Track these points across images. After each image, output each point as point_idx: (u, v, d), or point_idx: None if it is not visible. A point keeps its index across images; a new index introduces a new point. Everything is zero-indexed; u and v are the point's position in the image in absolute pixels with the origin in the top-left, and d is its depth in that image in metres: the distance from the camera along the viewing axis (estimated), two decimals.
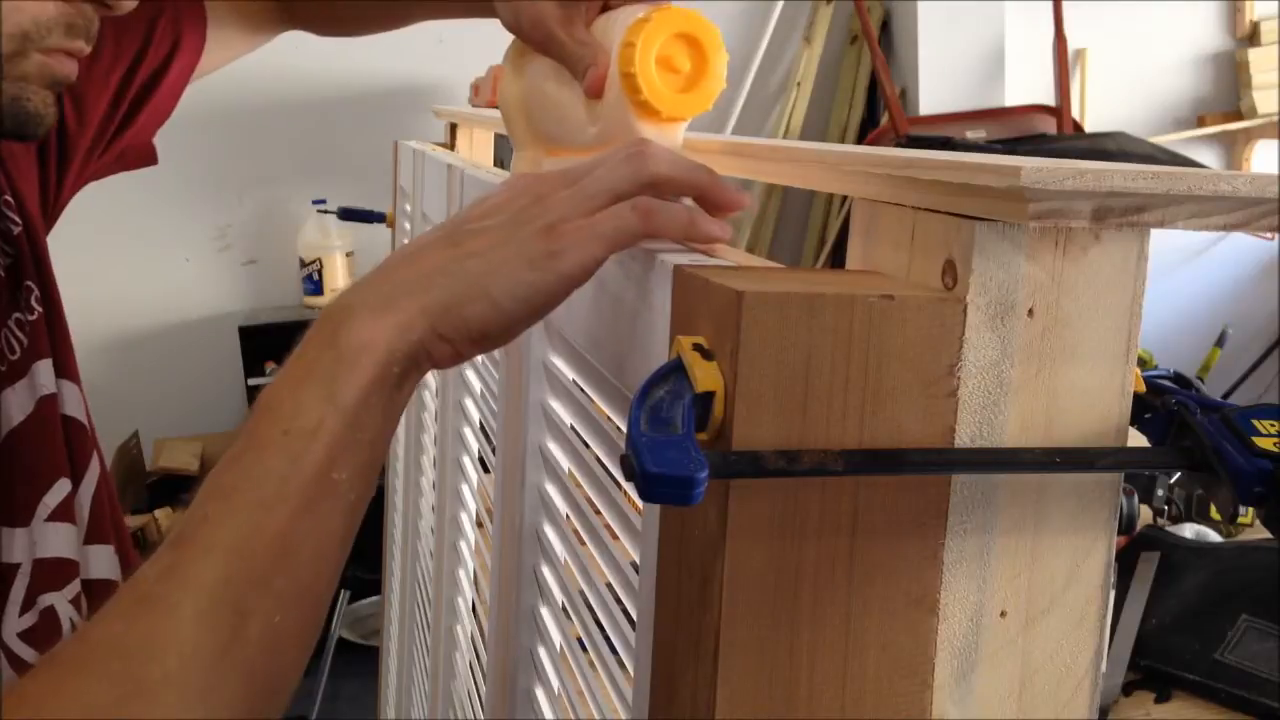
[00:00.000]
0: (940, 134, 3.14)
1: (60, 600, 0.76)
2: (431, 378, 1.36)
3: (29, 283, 0.78)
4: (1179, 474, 0.65)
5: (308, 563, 0.47)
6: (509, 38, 0.79)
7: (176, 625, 0.44)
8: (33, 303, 0.78)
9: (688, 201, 0.53)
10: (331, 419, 0.47)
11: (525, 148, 0.80)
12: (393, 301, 0.48)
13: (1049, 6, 3.36)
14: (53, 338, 0.79)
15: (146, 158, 0.94)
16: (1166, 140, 3.48)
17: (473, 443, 1.06)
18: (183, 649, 0.43)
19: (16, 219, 0.78)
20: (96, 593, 0.80)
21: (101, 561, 0.81)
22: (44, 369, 0.76)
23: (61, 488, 0.76)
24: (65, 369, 0.79)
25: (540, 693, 0.76)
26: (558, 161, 0.76)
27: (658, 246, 0.52)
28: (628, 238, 0.50)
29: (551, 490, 0.74)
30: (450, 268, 0.49)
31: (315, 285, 3.24)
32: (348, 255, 3.27)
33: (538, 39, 0.70)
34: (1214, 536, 1.56)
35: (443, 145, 1.65)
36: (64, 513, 0.76)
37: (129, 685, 0.43)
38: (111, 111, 0.89)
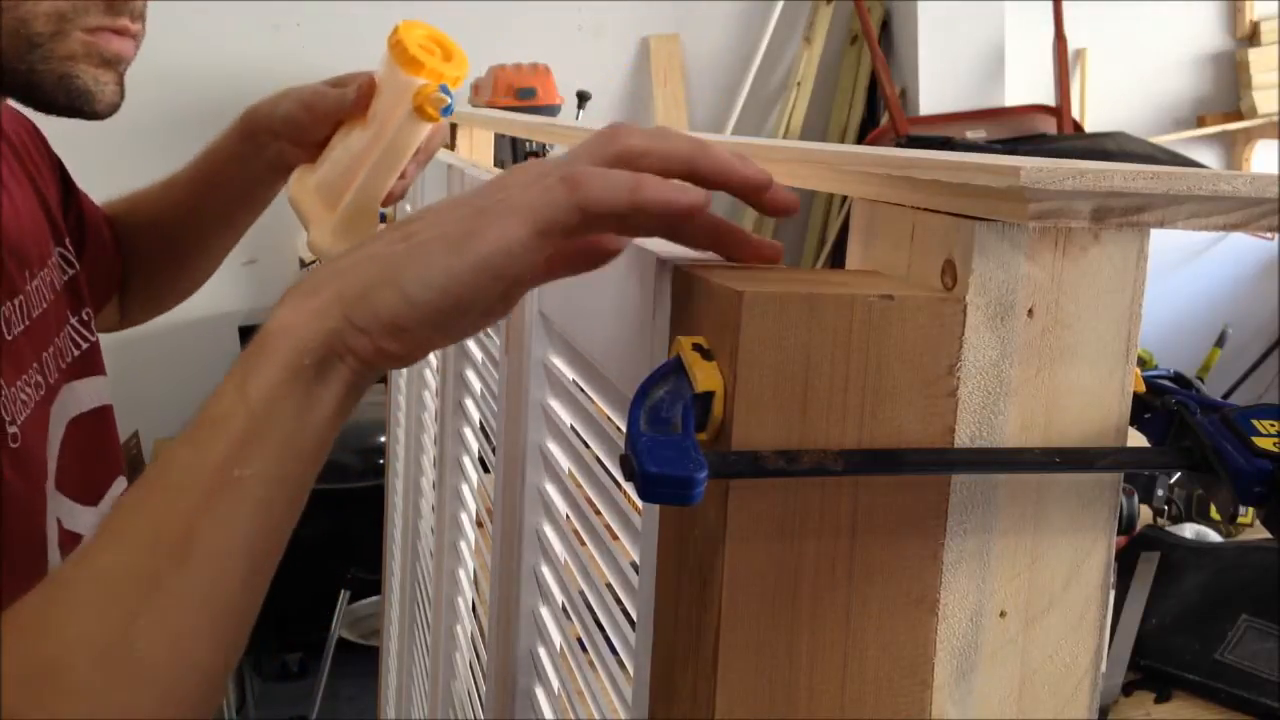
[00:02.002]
0: (940, 134, 3.14)
1: None
2: (431, 378, 1.36)
3: (88, 310, 0.84)
4: (1179, 474, 0.65)
5: (205, 562, 0.44)
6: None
7: (71, 611, 0.43)
8: (92, 327, 0.84)
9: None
10: (239, 409, 0.45)
11: (322, 220, 0.85)
12: (318, 288, 0.46)
13: (1049, 6, 3.36)
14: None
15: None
16: (1166, 140, 3.48)
17: (473, 443, 1.06)
18: (74, 636, 0.43)
19: (73, 263, 0.85)
20: None
21: None
22: (103, 383, 0.83)
23: (120, 484, 0.83)
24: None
25: (540, 693, 0.76)
26: (340, 216, 0.85)
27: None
28: (550, 210, 0.43)
29: (551, 490, 0.74)
30: (379, 253, 0.46)
31: None
32: None
33: (311, 113, 0.83)
34: (1214, 536, 1.56)
35: (443, 145, 1.65)
36: None
37: (26, 665, 0.42)
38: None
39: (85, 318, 0.85)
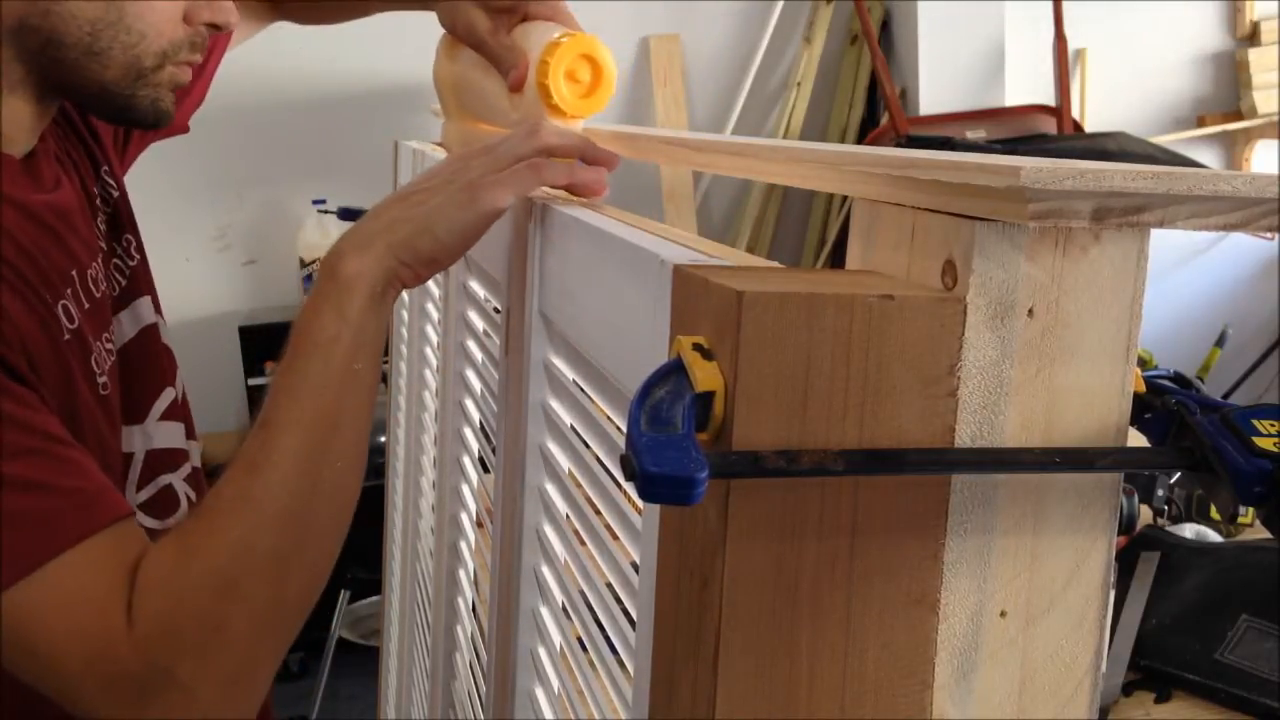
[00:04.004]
0: (940, 134, 3.14)
1: (176, 479, 0.96)
2: (431, 378, 1.36)
3: (128, 235, 0.96)
4: (1179, 474, 0.65)
5: (350, 426, 0.70)
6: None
7: (281, 478, 0.67)
8: (132, 251, 0.96)
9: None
10: (345, 330, 0.70)
11: (454, 119, 1.04)
12: (369, 242, 0.71)
13: (1049, 6, 3.35)
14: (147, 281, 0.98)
15: (180, 129, 1.11)
16: (1166, 140, 3.48)
17: (473, 443, 1.06)
18: (288, 492, 0.67)
19: (114, 184, 0.96)
20: (197, 476, 1.02)
21: (196, 453, 1.02)
22: (145, 304, 0.96)
23: (168, 395, 0.96)
24: (155, 307, 0.98)
25: (540, 693, 0.76)
26: (483, 131, 1.01)
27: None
28: (525, 185, 0.72)
29: (551, 490, 0.74)
30: (405, 215, 0.72)
31: None
32: None
33: (471, 42, 0.92)
34: (1214, 536, 1.55)
35: (443, 145, 1.65)
36: (171, 413, 0.97)
37: (259, 519, 0.67)
38: None
39: (125, 244, 0.96)
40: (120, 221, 0.96)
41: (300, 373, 0.70)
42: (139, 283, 0.96)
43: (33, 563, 0.64)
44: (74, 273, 0.81)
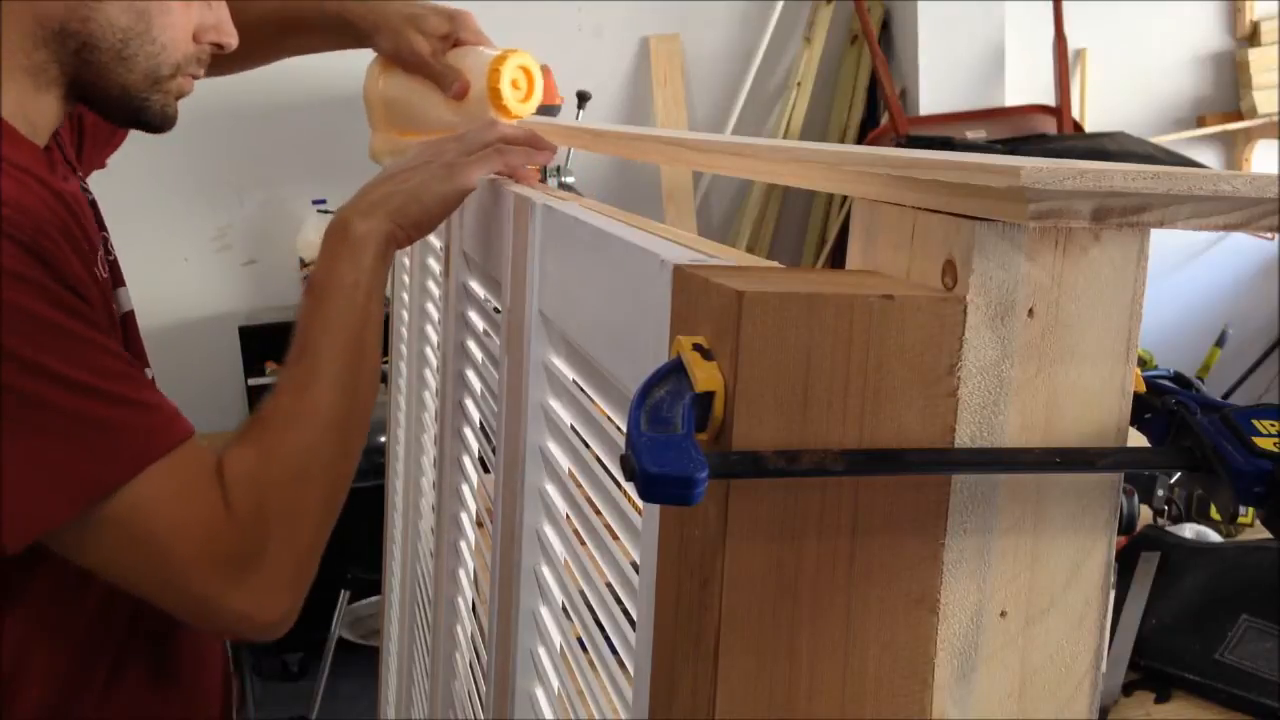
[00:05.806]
0: (940, 134, 3.14)
1: None
2: (431, 378, 1.36)
3: (104, 233, 1.04)
4: (1179, 474, 0.65)
5: (371, 354, 0.86)
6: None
7: (325, 392, 0.83)
8: (110, 247, 1.04)
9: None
10: (362, 277, 0.85)
11: (380, 131, 1.25)
12: (372, 210, 0.87)
13: (1049, 6, 3.36)
14: None
15: (99, 164, 1.20)
16: (1166, 140, 3.48)
17: (473, 443, 1.06)
18: (333, 404, 0.83)
19: (88, 189, 1.03)
20: None
21: None
22: (125, 292, 1.04)
23: (148, 374, 1.04)
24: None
25: (540, 693, 0.76)
26: (409, 142, 1.20)
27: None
28: (491, 166, 0.89)
29: (551, 490, 0.74)
30: (397, 188, 0.88)
31: None
32: None
33: (414, 66, 1.14)
34: (1214, 536, 1.55)
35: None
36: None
37: (316, 425, 0.82)
38: None
39: (104, 240, 1.02)
40: (99, 221, 1.02)
41: (329, 313, 0.84)
42: (118, 275, 1.04)
43: (142, 462, 0.76)
44: (89, 250, 0.89)
